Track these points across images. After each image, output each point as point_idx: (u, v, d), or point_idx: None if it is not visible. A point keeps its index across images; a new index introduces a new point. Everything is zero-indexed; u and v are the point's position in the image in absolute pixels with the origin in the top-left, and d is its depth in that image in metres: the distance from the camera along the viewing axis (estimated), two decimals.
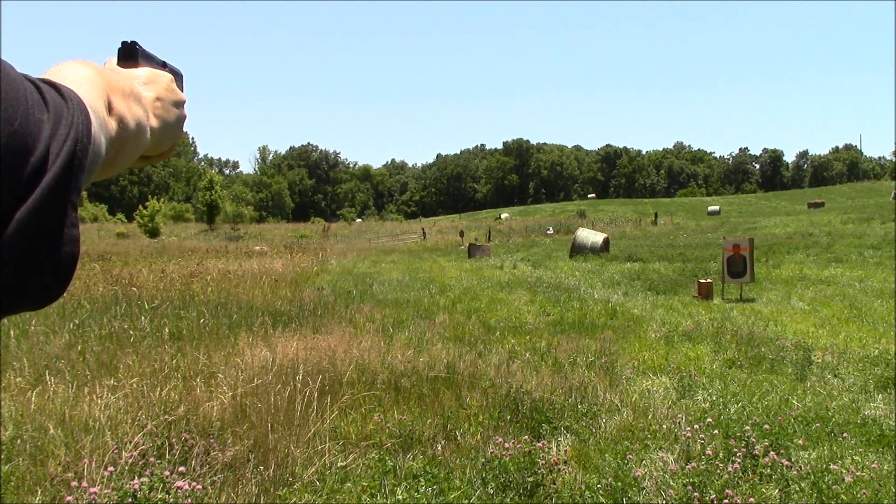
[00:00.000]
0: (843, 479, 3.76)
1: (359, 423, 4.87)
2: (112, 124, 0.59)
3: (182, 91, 0.78)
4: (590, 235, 25.07)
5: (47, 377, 5.44)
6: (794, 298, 12.06)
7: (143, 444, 3.95)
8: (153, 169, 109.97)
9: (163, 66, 0.77)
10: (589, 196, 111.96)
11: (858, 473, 3.90)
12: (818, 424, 4.92)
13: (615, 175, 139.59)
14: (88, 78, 0.58)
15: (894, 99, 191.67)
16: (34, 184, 0.45)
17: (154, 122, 0.70)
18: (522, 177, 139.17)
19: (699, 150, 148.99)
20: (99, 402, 4.75)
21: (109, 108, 0.59)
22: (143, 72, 0.73)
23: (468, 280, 16.34)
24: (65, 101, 0.50)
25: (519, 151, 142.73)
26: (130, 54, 0.74)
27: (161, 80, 0.74)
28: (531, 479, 3.83)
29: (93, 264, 19.07)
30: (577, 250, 23.66)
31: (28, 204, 0.45)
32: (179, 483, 3.37)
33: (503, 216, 73.38)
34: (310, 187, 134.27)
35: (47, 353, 6.54)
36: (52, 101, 0.49)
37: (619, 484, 3.79)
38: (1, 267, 0.44)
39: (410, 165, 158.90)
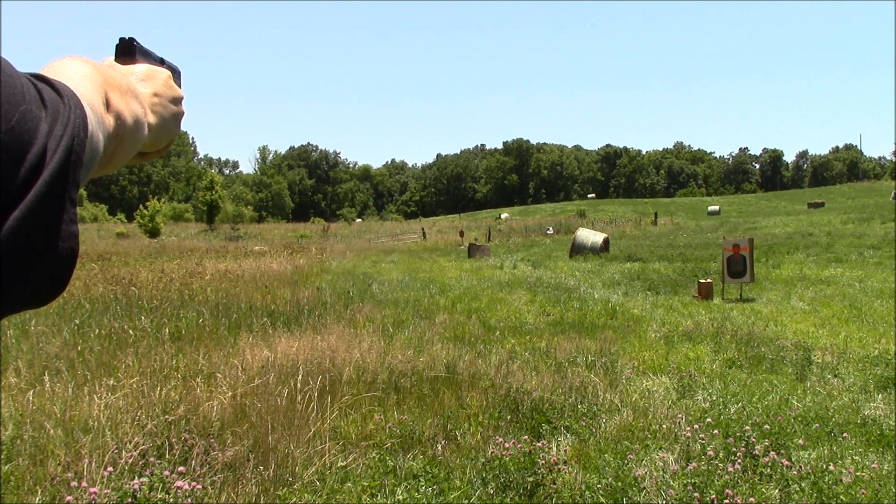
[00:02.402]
0: (843, 480, 3.76)
1: (359, 423, 4.87)
2: (110, 121, 0.58)
3: (180, 87, 0.78)
4: (590, 235, 25.07)
5: (47, 377, 5.44)
6: (794, 298, 12.06)
7: (143, 444, 3.95)
8: (153, 169, 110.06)
9: (160, 62, 0.77)
10: (589, 196, 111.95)
11: (858, 473, 3.90)
12: (818, 424, 4.92)
13: (615, 175, 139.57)
14: (86, 75, 0.58)
15: (894, 99, 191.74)
16: (32, 180, 0.45)
17: (152, 119, 0.70)
18: (522, 177, 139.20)
19: (699, 150, 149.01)
20: (99, 401, 4.75)
21: (107, 105, 0.59)
22: (140, 68, 0.73)
23: (468, 280, 16.34)
24: (61, 98, 0.50)
25: (519, 151, 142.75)
26: (128, 50, 0.73)
27: (159, 77, 0.73)
28: (531, 479, 3.83)
29: (92, 264, 19.08)
30: (577, 250, 23.66)
31: (26, 200, 0.44)
32: (179, 483, 3.37)
33: (503, 216, 73.36)
34: (310, 187, 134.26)
35: (47, 352, 6.54)
36: (48, 98, 0.48)
37: (620, 484, 3.78)
38: (0, 264, 0.44)
39: (410, 165, 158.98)
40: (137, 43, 0.74)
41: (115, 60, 0.72)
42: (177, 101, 0.75)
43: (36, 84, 0.49)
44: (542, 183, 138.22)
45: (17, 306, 0.48)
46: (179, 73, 0.80)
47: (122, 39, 0.73)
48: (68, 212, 0.48)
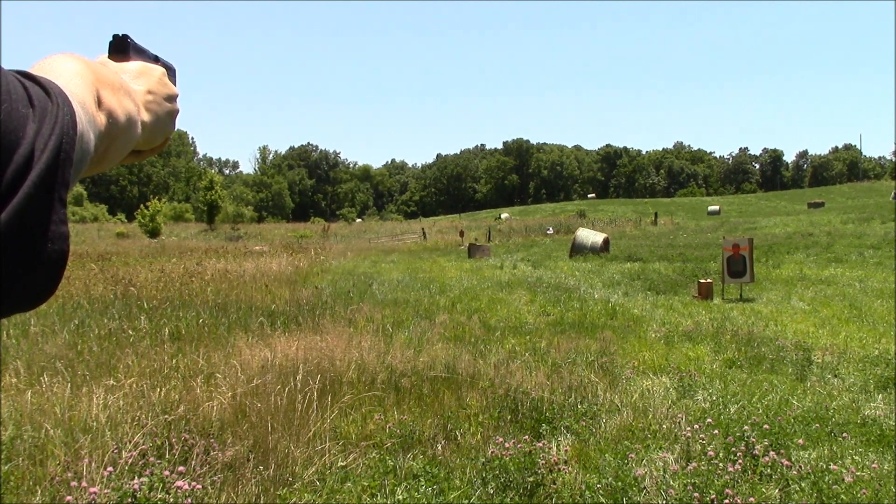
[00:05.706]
0: (843, 479, 3.76)
1: (359, 423, 4.87)
2: (101, 119, 0.57)
3: (175, 85, 0.77)
4: (590, 235, 25.06)
5: (46, 377, 5.44)
6: (794, 298, 12.06)
7: (143, 444, 3.95)
8: (153, 169, 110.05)
9: (155, 60, 0.76)
10: (589, 196, 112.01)
11: (858, 473, 3.89)
12: (818, 424, 4.92)
13: (615, 175, 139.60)
14: (77, 72, 0.57)
15: (894, 99, 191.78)
16: (19, 181, 0.44)
17: (145, 116, 0.68)
18: (522, 177, 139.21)
19: (699, 149, 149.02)
20: (98, 401, 4.74)
21: (99, 103, 0.58)
22: (134, 65, 0.71)
23: (468, 280, 16.33)
24: (49, 97, 0.49)
25: (519, 151, 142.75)
26: (122, 47, 0.72)
27: (153, 74, 0.72)
28: (531, 479, 3.82)
29: (92, 264, 19.07)
30: (577, 250, 23.66)
31: (14, 202, 0.43)
32: (179, 483, 3.37)
33: (503, 216, 73.36)
34: (310, 187, 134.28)
35: (47, 353, 6.53)
36: (36, 97, 0.47)
37: (620, 484, 3.78)
38: None
39: (410, 165, 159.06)
40: (131, 40, 0.72)
41: (109, 58, 0.71)
42: (171, 98, 0.74)
43: (23, 82, 0.48)
44: (542, 183, 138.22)
45: (4, 310, 0.47)
46: (174, 70, 0.79)
47: (115, 36, 0.72)
48: (58, 213, 0.47)
